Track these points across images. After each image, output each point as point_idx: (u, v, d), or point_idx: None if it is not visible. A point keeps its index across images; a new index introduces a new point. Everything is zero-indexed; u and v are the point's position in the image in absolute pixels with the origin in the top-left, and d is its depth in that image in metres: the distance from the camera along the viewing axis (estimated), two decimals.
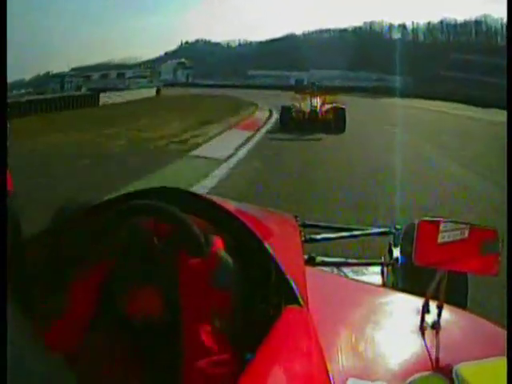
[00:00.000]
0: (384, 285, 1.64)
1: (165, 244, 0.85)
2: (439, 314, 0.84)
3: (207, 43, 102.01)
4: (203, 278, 0.78)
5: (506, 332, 0.83)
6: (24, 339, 0.45)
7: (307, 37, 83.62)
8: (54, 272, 0.82)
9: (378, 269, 1.75)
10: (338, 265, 1.72)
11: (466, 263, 0.84)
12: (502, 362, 0.73)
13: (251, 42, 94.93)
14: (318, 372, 0.68)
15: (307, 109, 11.88)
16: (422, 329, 0.84)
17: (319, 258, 1.49)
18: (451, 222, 0.83)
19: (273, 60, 66.97)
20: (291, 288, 0.81)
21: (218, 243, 0.82)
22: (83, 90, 33.00)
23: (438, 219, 0.84)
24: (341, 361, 0.74)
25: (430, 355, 0.80)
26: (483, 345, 0.84)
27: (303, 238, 1.51)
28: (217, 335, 0.74)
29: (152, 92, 31.96)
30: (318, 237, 1.73)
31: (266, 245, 0.85)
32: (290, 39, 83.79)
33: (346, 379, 0.71)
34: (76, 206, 1.02)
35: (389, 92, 33.76)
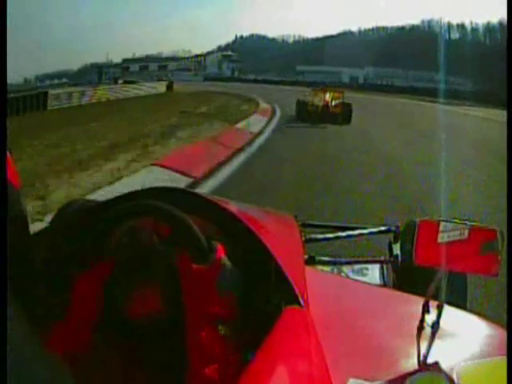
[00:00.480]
0: (384, 285, 1.64)
1: (165, 244, 0.85)
2: (439, 314, 0.84)
3: (262, 38, 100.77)
4: (207, 285, 0.79)
5: (506, 332, 0.83)
6: (25, 340, 0.45)
7: (363, 34, 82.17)
8: (55, 272, 0.83)
9: (378, 269, 1.75)
10: (337, 264, 1.72)
11: (465, 263, 0.84)
12: (502, 361, 0.73)
13: (306, 38, 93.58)
14: (318, 372, 0.68)
15: (320, 103, 13.95)
16: (422, 328, 0.84)
17: (319, 258, 1.48)
18: (451, 221, 0.83)
19: (327, 57, 65.03)
20: (291, 288, 0.81)
21: (220, 249, 0.83)
22: (120, 82, 32.72)
23: (438, 219, 0.84)
24: (341, 361, 0.74)
25: (429, 355, 0.80)
26: (483, 345, 0.84)
27: (303, 238, 1.51)
28: (221, 340, 0.75)
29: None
30: (318, 237, 1.73)
31: (266, 245, 0.85)
32: (345, 36, 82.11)
33: (347, 379, 0.71)
34: (76, 206, 1.02)
35: (447, 95, 29.54)
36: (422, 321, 0.85)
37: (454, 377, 0.73)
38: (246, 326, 0.79)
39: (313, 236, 1.68)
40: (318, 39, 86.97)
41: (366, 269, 1.76)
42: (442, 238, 0.82)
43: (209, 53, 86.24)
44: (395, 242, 1.67)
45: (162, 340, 0.82)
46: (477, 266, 0.84)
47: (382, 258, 1.75)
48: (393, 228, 1.74)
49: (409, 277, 1.42)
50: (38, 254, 0.83)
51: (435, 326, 0.84)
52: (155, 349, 0.82)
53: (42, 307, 0.76)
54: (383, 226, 1.80)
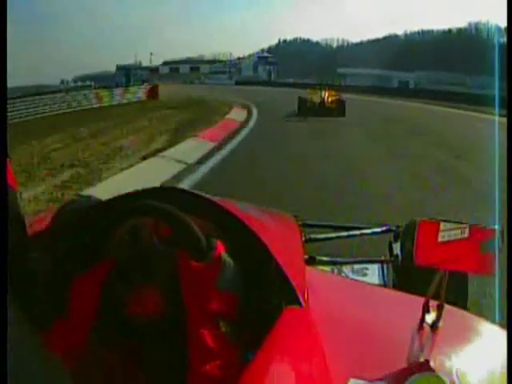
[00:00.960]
0: (384, 285, 1.64)
1: (165, 244, 0.85)
2: (439, 314, 0.84)
3: (305, 42, 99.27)
4: (207, 282, 0.78)
5: (506, 332, 0.83)
6: (24, 341, 0.45)
7: (409, 37, 79.91)
8: (54, 272, 0.82)
9: (378, 268, 1.75)
10: (338, 264, 1.72)
11: (465, 263, 0.84)
12: (502, 362, 0.73)
13: (350, 43, 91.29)
14: (318, 372, 0.68)
15: (317, 100, 16.44)
16: (422, 328, 0.84)
17: (319, 258, 1.48)
18: (451, 221, 0.84)
19: (372, 60, 61.81)
20: (291, 288, 0.81)
21: (220, 246, 0.82)
22: (143, 86, 31.89)
23: (438, 219, 0.84)
24: (341, 361, 0.74)
25: (430, 355, 0.80)
26: (483, 345, 0.84)
27: (303, 238, 1.51)
28: (222, 338, 0.75)
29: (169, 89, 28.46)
30: (318, 237, 1.73)
31: (266, 245, 0.85)
32: (391, 39, 79.36)
33: (347, 379, 0.71)
34: (76, 205, 1.02)
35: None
36: (422, 321, 0.85)
37: (454, 377, 0.73)
38: (247, 325, 0.79)
39: (313, 236, 1.68)
40: (362, 43, 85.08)
41: (366, 269, 1.76)
42: (442, 237, 0.82)
43: (250, 56, 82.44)
44: (395, 241, 1.67)
45: (162, 339, 0.82)
46: (477, 265, 0.84)
47: (382, 258, 1.75)
48: (393, 228, 1.74)
49: (409, 277, 1.42)
50: (38, 254, 0.83)
51: (435, 326, 0.84)
52: (155, 348, 0.82)
53: (41, 307, 0.76)
54: (383, 225, 1.80)
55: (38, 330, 0.63)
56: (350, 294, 1.02)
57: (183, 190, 0.97)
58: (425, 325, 0.84)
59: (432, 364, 0.76)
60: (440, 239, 0.82)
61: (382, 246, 1.82)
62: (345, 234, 1.86)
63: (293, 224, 1.38)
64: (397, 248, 1.61)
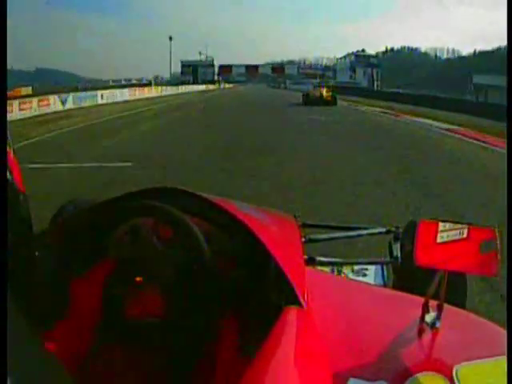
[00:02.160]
0: (384, 285, 1.64)
1: (165, 244, 0.85)
2: (439, 314, 0.84)
3: (413, 51, 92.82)
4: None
5: (506, 332, 0.83)
6: (25, 341, 0.45)
7: None
8: (56, 272, 0.83)
9: (378, 269, 1.76)
10: (338, 264, 1.72)
11: (465, 263, 0.84)
12: (502, 361, 0.73)
13: (461, 55, 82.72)
14: (318, 372, 0.68)
15: (317, 94, 24.48)
16: (422, 329, 0.84)
17: (319, 259, 1.49)
18: (450, 222, 0.83)
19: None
20: (291, 288, 0.81)
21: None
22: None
23: (437, 219, 0.84)
24: (341, 361, 0.74)
25: (430, 355, 0.80)
26: (483, 345, 0.84)
27: (303, 239, 1.51)
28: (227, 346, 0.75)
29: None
30: (318, 237, 1.73)
31: (266, 245, 0.85)
32: (501, 52, 71.34)
33: (347, 379, 0.71)
34: (77, 205, 1.02)
35: None
36: (422, 321, 0.85)
37: (454, 377, 0.73)
38: (247, 325, 0.79)
39: (313, 236, 1.68)
40: (474, 54, 78.09)
41: (366, 269, 1.76)
42: (442, 237, 0.82)
43: (349, 54, 63.43)
44: (395, 242, 1.67)
45: (161, 338, 0.82)
46: (476, 266, 0.84)
47: (382, 259, 1.75)
48: (393, 229, 1.74)
49: (409, 277, 1.42)
50: (40, 253, 0.83)
51: (435, 325, 0.84)
52: (153, 346, 0.82)
53: (43, 306, 0.76)
54: (383, 226, 1.80)
55: (40, 329, 0.63)
56: (349, 294, 1.02)
57: (183, 191, 0.97)
58: (424, 325, 0.84)
59: (432, 364, 0.76)
60: (439, 240, 0.82)
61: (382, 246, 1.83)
62: (344, 234, 1.86)
63: (293, 224, 1.38)
64: (396, 249, 1.61)
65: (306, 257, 1.37)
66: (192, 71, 64.58)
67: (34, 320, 0.61)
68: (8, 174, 0.59)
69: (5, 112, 0.59)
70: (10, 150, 0.63)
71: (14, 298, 0.47)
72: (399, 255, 1.59)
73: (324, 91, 24.66)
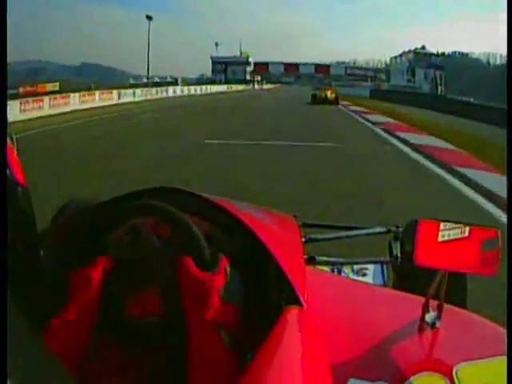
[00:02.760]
0: (384, 284, 1.64)
1: (165, 244, 0.85)
2: (439, 314, 0.84)
3: (464, 56, 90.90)
4: (211, 292, 0.78)
5: (506, 332, 0.83)
6: (25, 341, 0.45)
7: None
8: (55, 268, 0.82)
9: (378, 269, 1.76)
10: (338, 264, 1.72)
11: (466, 263, 0.84)
12: (502, 361, 0.73)
13: None
14: (318, 372, 0.68)
15: (322, 95, 28.59)
16: (422, 328, 0.84)
17: (319, 258, 1.48)
18: (451, 221, 0.83)
19: None
20: (291, 288, 0.81)
21: (224, 259, 0.82)
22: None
23: (438, 219, 0.84)
24: (341, 361, 0.74)
25: (430, 355, 0.80)
26: (483, 344, 0.84)
27: (303, 238, 1.51)
28: (223, 347, 0.75)
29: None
30: (318, 237, 1.73)
31: (266, 245, 0.85)
32: None
33: (347, 379, 0.71)
34: (77, 204, 1.02)
35: None
36: (422, 320, 0.85)
37: (454, 377, 0.73)
38: (246, 326, 0.79)
39: (313, 236, 1.68)
40: None
41: (366, 269, 1.76)
42: (443, 237, 0.82)
43: (405, 52, 53.98)
44: (395, 242, 1.67)
45: (159, 340, 0.82)
46: (477, 266, 0.84)
47: (382, 259, 1.75)
48: (393, 228, 1.74)
49: (409, 277, 1.42)
50: (41, 252, 0.83)
51: (435, 325, 0.84)
52: (153, 350, 0.82)
53: (42, 303, 0.76)
54: (384, 226, 1.80)
55: (39, 329, 0.63)
56: (350, 294, 1.02)
57: (183, 191, 0.97)
58: (425, 324, 0.85)
59: (432, 364, 0.76)
60: (440, 239, 0.82)
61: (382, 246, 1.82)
62: (344, 234, 1.86)
63: (293, 224, 1.38)
64: (396, 248, 1.61)
65: (306, 256, 1.37)
66: (223, 69, 60.01)
67: (35, 320, 0.61)
68: (8, 172, 0.59)
69: (5, 112, 0.58)
70: (13, 148, 0.63)
71: (14, 297, 0.47)
72: (399, 255, 1.59)
73: (328, 93, 29.36)
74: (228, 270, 0.81)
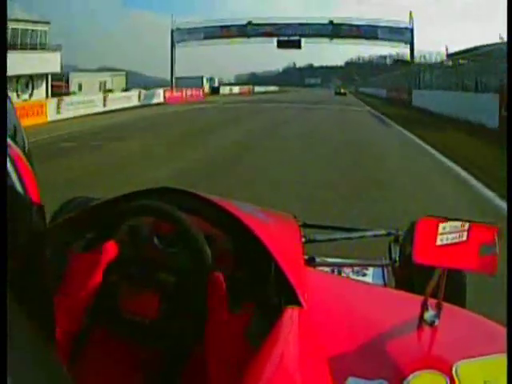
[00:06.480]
0: (384, 285, 1.64)
1: (165, 244, 0.86)
2: (438, 313, 0.84)
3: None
4: (235, 333, 0.78)
5: (505, 330, 0.83)
6: (25, 340, 0.45)
7: None
8: (55, 273, 0.83)
9: (378, 269, 1.75)
10: (338, 265, 1.72)
11: (465, 261, 0.84)
12: (502, 360, 0.73)
13: None
14: (318, 371, 0.68)
15: (340, 90, 54.08)
16: (421, 327, 0.84)
17: (319, 259, 1.49)
18: (451, 219, 0.83)
19: None
20: (291, 288, 0.81)
21: (249, 305, 0.81)
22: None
23: (437, 217, 0.83)
24: (341, 360, 0.74)
25: (429, 353, 0.80)
26: (483, 342, 0.84)
27: (303, 239, 1.51)
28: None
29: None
30: (319, 237, 1.73)
31: (266, 245, 0.86)
32: None
33: (346, 378, 0.71)
34: (78, 203, 1.02)
35: None
36: (421, 319, 0.85)
37: (454, 374, 0.73)
38: (246, 326, 0.79)
39: (313, 236, 1.68)
40: None
41: (366, 269, 1.76)
42: (442, 236, 0.82)
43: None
44: (395, 244, 1.67)
45: (156, 340, 0.82)
46: (476, 264, 0.84)
47: (382, 261, 1.75)
48: (393, 231, 1.74)
49: (408, 279, 1.42)
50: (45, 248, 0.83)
51: (434, 324, 0.84)
52: (148, 347, 0.83)
53: (43, 306, 0.76)
54: (384, 229, 1.81)
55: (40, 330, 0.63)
56: (349, 294, 1.02)
57: (183, 191, 0.98)
58: (423, 323, 0.85)
59: (431, 362, 0.76)
60: (439, 237, 0.82)
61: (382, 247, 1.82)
62: (344, 235, 1.86)
63: (293, 224, 1.39)
64: (396, 251, 1.61)
65: (306, 257, 1.37)
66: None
67: (35, 320, 0.61)
68: (19, 185, 0.53)
69: (5, 112, 0.58)
70: (22, 156, 0.56)
71: (14, 297, 0.47)
72: (399, 257, 1.59)
73: (341, 88, 54.10)
74: (253, 313, 0.80)
